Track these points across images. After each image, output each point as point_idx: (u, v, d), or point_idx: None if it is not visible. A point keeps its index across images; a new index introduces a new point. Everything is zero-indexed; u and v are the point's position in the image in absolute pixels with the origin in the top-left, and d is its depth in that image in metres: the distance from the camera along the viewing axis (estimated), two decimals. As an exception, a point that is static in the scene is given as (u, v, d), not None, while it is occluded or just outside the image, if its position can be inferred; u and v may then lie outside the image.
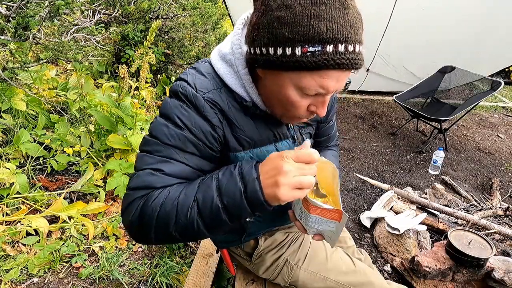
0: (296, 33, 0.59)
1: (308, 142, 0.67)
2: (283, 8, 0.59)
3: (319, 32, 0.58)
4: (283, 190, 0.59)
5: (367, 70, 4.44)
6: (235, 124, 0.78)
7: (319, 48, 0.59)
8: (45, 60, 2.12)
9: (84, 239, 1.80)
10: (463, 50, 4.08)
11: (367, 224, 2.23)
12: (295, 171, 0.60)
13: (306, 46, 0.59)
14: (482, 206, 2.38)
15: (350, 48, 0.60)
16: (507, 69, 5.94)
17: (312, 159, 0.62)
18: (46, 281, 1.59)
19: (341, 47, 0.59)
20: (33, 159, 2.03)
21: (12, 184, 1.77)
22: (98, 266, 1.69)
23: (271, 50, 0.62)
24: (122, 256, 1.77)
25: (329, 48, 0.59)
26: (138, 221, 0.68)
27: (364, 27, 0.64)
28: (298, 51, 0.59)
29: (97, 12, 2.45)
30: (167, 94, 0.80)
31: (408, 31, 3.92)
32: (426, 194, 2.53)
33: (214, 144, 0.77)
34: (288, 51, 0.60)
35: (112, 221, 1.91)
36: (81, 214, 1.83)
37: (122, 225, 1.95)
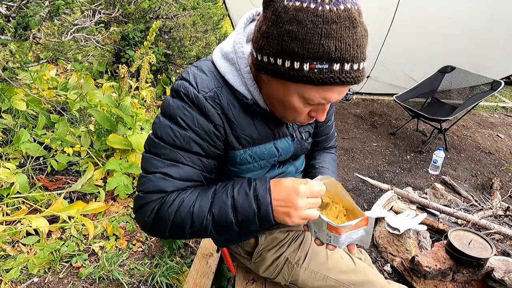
0: (306, 49, 0.60)
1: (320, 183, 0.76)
2: (295, 23, 0.60)
3: (328, 51, 0.60)
4: (293, 219, 0.71)
5: (368, 77, 4.43)
6: (234, 123, 0.79)
7: (327, 66, 0.61)
8: (45, 60, 2.12)
9: (84, 239, 1.80)
10: (464, 58, 4.07)
11: (367, 224, 2.23)
12: (305, 206, 0.70)
13: (315, 63, 0.61)
14: (482, 206, 2.38)
15: (355, 66, 0.62)
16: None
17: (321, 195, 0.73)
18: (46, 281, 1.59)
19: (347, 66, 0.62)
20: (33, 159, 2.03)
21: (12, 184, 1.77)
22: (98, 266, 1.69)
23: (279, 61, 0.64)
24: (122, 256, 1.77)
25: (336, 66, 0.61)
26: (153, 222, 0.75)
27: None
28: (306, 66, 0.62)
29: (97, 12, 2.45)
30: (168, 93, 0.81)
31: (409, 39, 3.92)
32: (426, 194, 2.53)
33: (217, 142, 0.79)
34: (297, 65, 0.62)
35: (112, 221, 1.91)
36: (81, 214, 1.83)
37: (122, 225, 1.95)
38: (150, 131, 0.81)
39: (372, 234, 0.78)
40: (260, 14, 0.70)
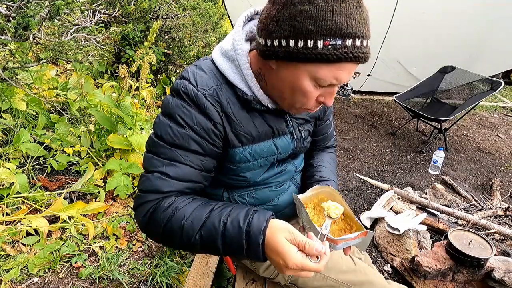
0: (320, 26, 0.62)
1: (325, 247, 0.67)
2: (306, 3, 0.62)
3: (341, 27, 0.61)
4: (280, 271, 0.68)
5: (368, 75, 4.43)
6: (234, 120, 0.80)
7: (340, 42, 0.63)
8: (45, 60, 2.11)
9: (84, 239, 1.80)
10: (463, 54, 4.08)
11: (367, 224, 2.23)
12: (292, 273, 0.67)
13: (328, 39, 0.62)
14: (482, 206, 2.38)
15: (365, 43, 0.65)
16: (507, 69, 5.94)
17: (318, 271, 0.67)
18: (46, 281, 1.59)
19: (358, 42, 0.63)
20: (33, 159, 2.03)
21: (12, 184, 1.77)
22: (98, 266, 1.69)
23: (292, 43, 0.65)
24: (122, 256, 1.77)
25: (349, 42, 0.63)
26: (147, 224, 0.77)
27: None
28: (320, 43, 0.63)
29: (97, 12, 2.45)
30: (168, 93, 0.82)
31: (409, 36, 3.92)
32: (426, 194, 2.53)
33: (216, 141, 0.80)
34: (310, 43, 0.63)
35: (112, 221, 1.91)
36: (81, 214, 1.83)
37: (122, 225, 1.95)
38: (151, 131, 0.81)
39: (368, 243, 0.78)
40: (262, 8, 0.72)
